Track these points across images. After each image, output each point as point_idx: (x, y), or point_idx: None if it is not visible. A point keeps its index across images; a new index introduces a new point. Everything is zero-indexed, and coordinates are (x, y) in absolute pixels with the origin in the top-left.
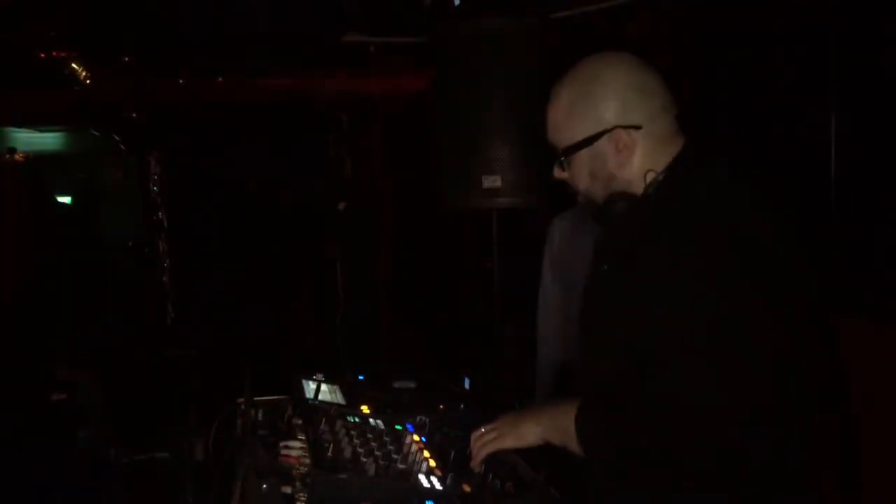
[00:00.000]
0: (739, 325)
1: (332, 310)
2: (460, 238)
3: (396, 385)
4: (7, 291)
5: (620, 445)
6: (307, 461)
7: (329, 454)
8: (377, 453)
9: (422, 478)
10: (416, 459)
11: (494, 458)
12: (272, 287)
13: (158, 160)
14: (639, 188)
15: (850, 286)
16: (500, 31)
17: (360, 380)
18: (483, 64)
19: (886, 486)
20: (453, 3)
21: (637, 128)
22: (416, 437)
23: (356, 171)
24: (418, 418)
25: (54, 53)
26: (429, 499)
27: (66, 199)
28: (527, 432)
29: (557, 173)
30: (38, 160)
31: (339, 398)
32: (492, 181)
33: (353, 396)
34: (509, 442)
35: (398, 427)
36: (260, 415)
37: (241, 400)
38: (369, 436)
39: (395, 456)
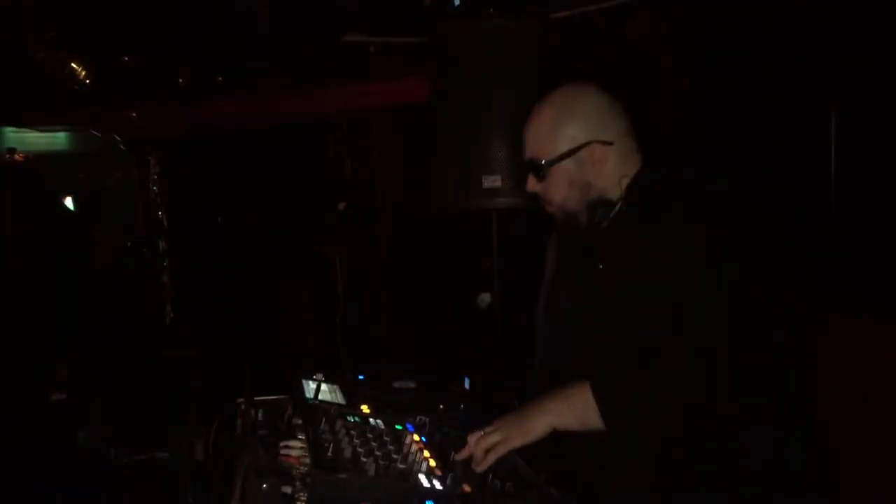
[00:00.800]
0: (759, 274)
1: (332, 310)
2: (460, 238)
3: (396, 385)
4: (6, 291)
5: (645, 402)
6: (307, 461)
7: (329, 454)
8: (377, 453)
9: (422, 478)
10: (416, 459)
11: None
12: (272, 287)
13: (158, 160)
14: (615, 194)
15: (849, 286)
16: (500, 31)
17: (360, 380)
18: (483, 64)
19: (885, 486)
20: (453, 3)
21: (609, 143)
22: (416, 437)
23: (356, 171)
24: (418, 418)
25: (54, 53)
26: (429, 499)
27: (66, 200)
28: (534, 426)
29: (531, 185)
30: (38, 160)
31: (339, 398)
32: (492, 181)
33: (353, 396)
34: (517, 441)
35: (398, 427)
36: (260, 415)
37: (241, 400)
38: (369, 436)
39: (395, 456)
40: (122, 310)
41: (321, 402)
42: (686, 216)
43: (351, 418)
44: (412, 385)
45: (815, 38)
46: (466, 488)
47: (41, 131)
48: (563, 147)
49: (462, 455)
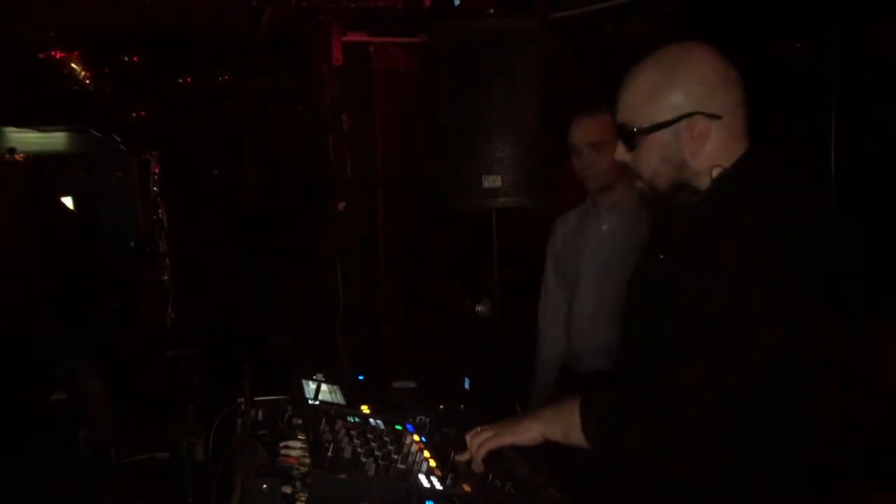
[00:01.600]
0: (755, 327)
1: (332, 310)
2: (460, 238)
3: (396, 385)
4: (7, 291)
5: (623, 434)
6: (307, 461)
7: (329, 454)
8: (377, 453)
9: (422, 478)
10: (416, 459)
11: (495, 459)
12: (272, 287)
13: (158, 160)
14: (704, 182)
15: None
16: (500, 31)
17: (360, 380)
18: (483, 64)
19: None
20: (453, 3)
21: (716, 117)
22: (416, 437)
23: (356, 170)
24: (418, 418)
25: (54, 53)
26: (429, 499)
27: (66, 200)
28: (525, 428)
29: (619, 154)
30: (39, 160)
31: (339, 398)
32: (492, 181)
33: (353, 396)
34: (507, 439)
35: (398, 427)
36: (260, 415)
37: (241, 400)
38: (369, 436)
39: (395, 456)
40: (123, 310)
41: (321, 402)
42: (752, 249)
43: (351, 418)
44: (412, 385)
45: (815, 38)
46: (466, 488)
47: (41, 131)
48: (662, 115)
49: (463, 456)
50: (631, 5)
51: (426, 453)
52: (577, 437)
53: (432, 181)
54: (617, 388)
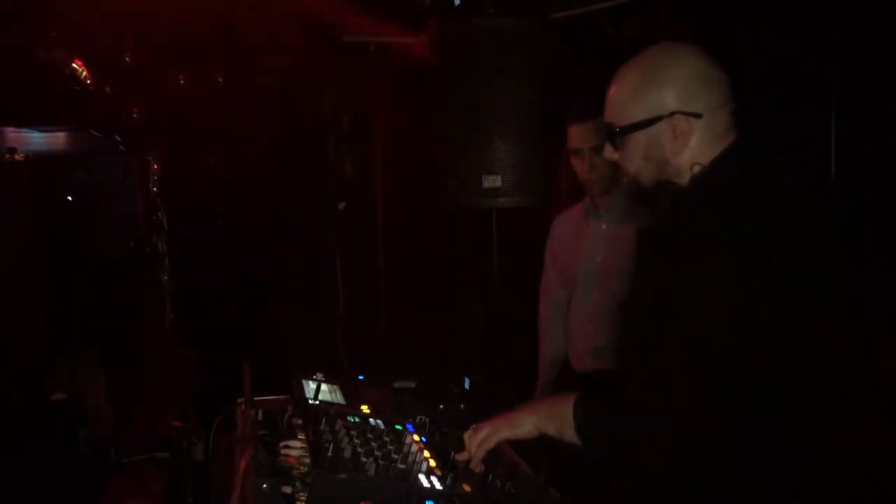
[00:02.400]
0: (748, 325)
1: (332, 309)
2: (460, 238)
3: (396, 385)
4: (8, 291)
5: (612, 433)
6: (307, 461)
7: (329, 454)
8: (377, 453)
9: (422, 478)
10: (416, 459)
11: (495, 458)
12: (272, 287)
13: (158, 160)
14: (685, 180)
15: None
16: (500, 31)
17: (360, 380)
18: (483, 64)
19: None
20: (453, 2)
21: (697, 116)
22: (416, 437)
23: (356, 171)
24: (418, 418)
25: (54, 53)
26: (429, 499)
27: (66, 200)
28: (521, 422)
29: (608, 153)
30: (39, 160)
31: (339, 398)
32: (492, 181)
33: (353, 396)
34: (504, 433)
35: (398, 427)
36: (260, 415)
37: (241, 400)
38: (369, 436)
39: (395, 456)
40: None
41: (321, 402)
42: (730, 257)
43: (351, 418)
44: (412, 385)
45: (815, 38)
46: (466, 488)
47: (41, 131)
48: (643, 114)
49: (463, 456)
50: (631, 5)
51: (426, 453)
52: (570, 435)
53: (432, 181)
54: (615, 390)
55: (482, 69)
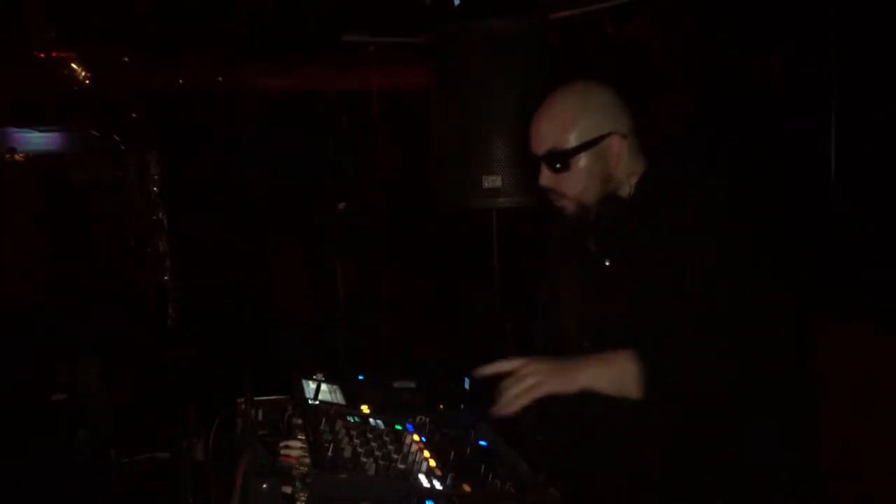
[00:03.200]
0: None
1: (332, 310)
2: (460, 238)
3: (396, 385)
4: (9, 291)
5: (690, 373)
6: (307, 461)
7: (329, 454)
8: (377, 453)
9: (422, 478)
10: (416, 459)
11: (494, 458)
12: (272, 287)
13: (158, 160)
14: (625, 190)
15: (849, 287)
16: (500, 31)
17: (360, 380)
18: (483, 64)
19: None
20: (453, 3)
21: (624, 136)
22: (416, 437)
23: (356, 171)
24: (418, 418)
25: (54, 53)
26: (429, 499)
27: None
28: (573, 377)
29: (545, 179)
30: (39, 160)
31: (339, 398)
32: (492, 181)
33: (353, 396)
34: (553, 387)
35: (398, 427)
36: (260, 415)
37: (241, 400)
38: (369, 436)
39: (395, 456)
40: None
41: (321, 402)
42: (698, 212)
43: (351, 418)
44: (412, 385)
45: (815, 38)
46: (466, 488)
47: (41, 131)
48: (586, 136)
49: (500, 408)
50: (631, 5)
51: (426, 453)
52: (630, 386)
53: (432, 181)
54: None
55: (482, 69)
